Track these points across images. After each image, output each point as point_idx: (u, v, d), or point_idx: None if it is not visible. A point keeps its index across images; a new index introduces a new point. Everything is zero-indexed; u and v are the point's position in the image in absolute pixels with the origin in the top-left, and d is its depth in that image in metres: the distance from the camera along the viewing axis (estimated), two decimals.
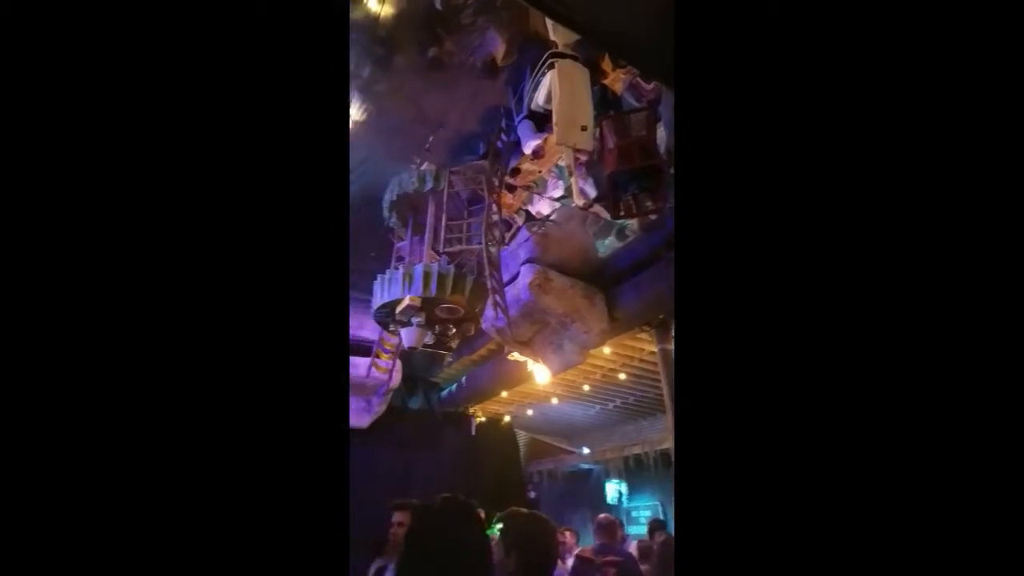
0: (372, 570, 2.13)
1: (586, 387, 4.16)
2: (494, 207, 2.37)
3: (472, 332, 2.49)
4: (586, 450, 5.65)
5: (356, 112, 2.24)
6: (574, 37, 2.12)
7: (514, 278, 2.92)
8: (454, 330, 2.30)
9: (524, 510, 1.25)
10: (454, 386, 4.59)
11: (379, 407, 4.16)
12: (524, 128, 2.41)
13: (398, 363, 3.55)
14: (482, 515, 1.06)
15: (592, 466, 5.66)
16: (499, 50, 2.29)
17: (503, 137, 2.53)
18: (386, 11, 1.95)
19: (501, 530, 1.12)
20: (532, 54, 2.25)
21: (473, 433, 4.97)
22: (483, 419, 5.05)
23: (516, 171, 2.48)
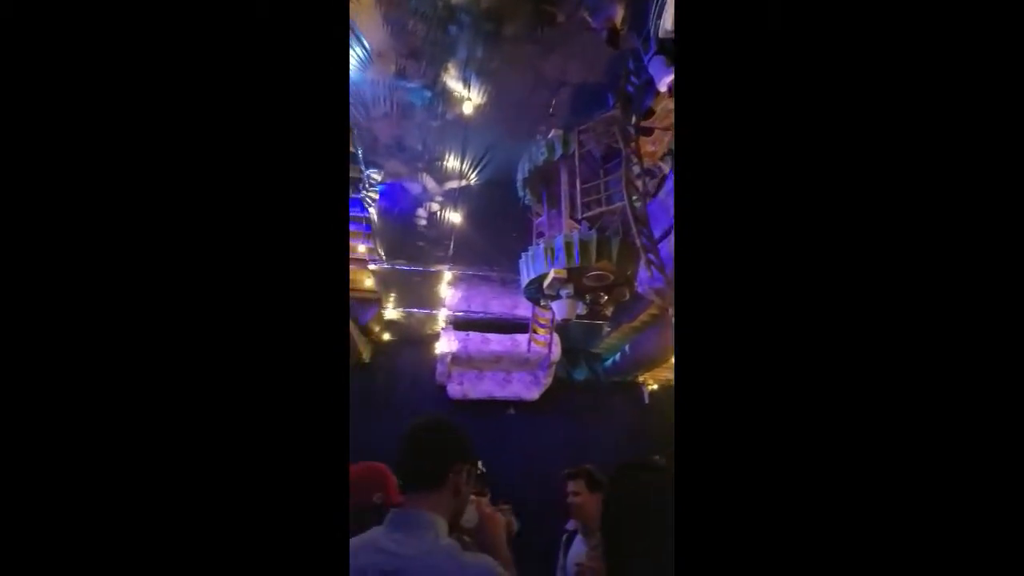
0: (564, 537, 2.22)
1: None
2: (633, 158, 2.15)
3: (627, 297, 2.34)
4: None
5: (476, 96, 2.26)
6: None
7: (669, 232, 2.64)
8: (606, 297, 2.19)
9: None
10: (617, 355, 4.48)
11: (545, 380, 4.31)
12: (656, 64, 2.11)
13: (555, 336, 3.59)
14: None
15: None
16: (618, 14, 2.06)
17: (632, 80, 2.27)
18: None
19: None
20: None
21: (646, 401, 4.79)
22: (655, 387, 4.83)
23: (651, 112, 2.21)
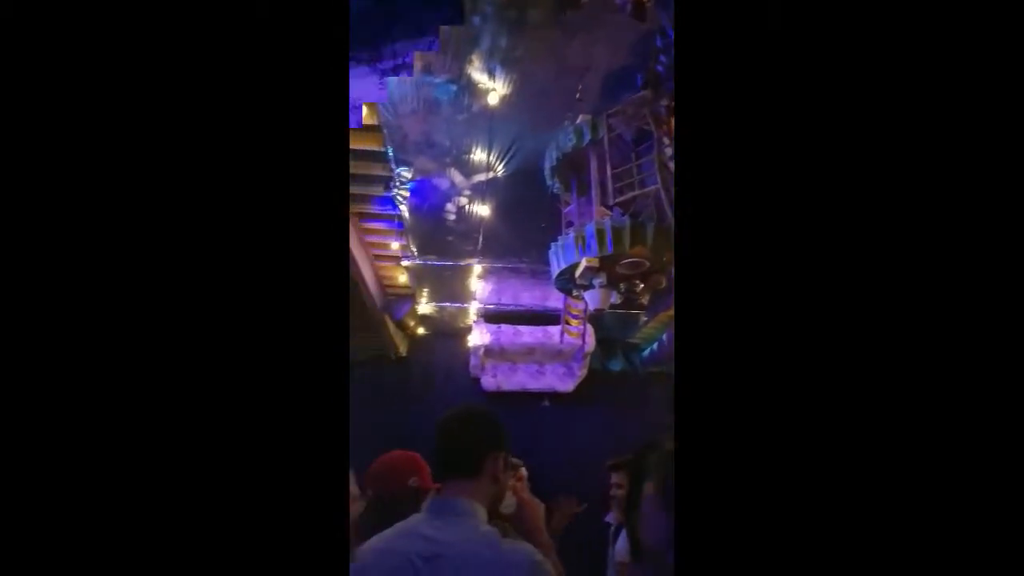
0: (612, 529, 2.21)
1: None
2: (665, 140, 2.08)
3: (664, 284, 2.28)
4: None
5: (502, 87, 2.24)
6: None
7: None
8: (641, 285, 2.13)
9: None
10: (655, 345, 4.38)
11: (580, 371, 4.27)
12: None
13: (589, 327, 3.54)
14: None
15: None
16: None
17: (661, 59, 2.19)
18: None
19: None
20: None
21: None
22: None
23: None
